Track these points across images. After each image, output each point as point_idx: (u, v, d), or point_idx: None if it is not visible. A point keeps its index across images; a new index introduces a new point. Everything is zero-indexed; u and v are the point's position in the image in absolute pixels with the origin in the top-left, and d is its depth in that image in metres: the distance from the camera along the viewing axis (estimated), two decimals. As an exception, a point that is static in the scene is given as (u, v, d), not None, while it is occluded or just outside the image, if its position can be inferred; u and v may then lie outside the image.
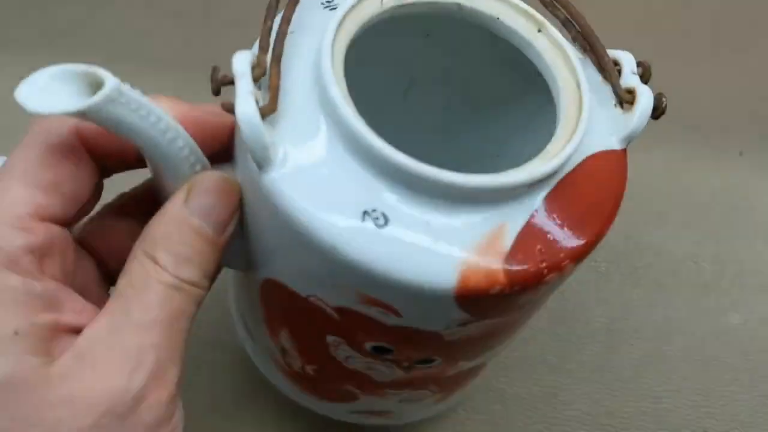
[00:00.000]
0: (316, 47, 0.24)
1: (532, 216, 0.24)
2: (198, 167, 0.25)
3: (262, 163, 0.23)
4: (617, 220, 0.41)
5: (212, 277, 0.25)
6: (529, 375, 0.38)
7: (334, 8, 0.26)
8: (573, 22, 0.28)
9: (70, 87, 0.22)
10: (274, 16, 0.25)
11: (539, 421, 0.37)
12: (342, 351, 0.28)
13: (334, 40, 0.24)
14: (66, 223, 0.24)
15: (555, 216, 0.24)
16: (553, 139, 0.24)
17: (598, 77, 0.27)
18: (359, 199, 0.23)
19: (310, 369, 0.31)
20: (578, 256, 0.24)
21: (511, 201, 0.23)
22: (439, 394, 0.32)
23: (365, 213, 0.23)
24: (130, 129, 0.23)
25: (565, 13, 0.28)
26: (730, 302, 0.42)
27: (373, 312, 0.24)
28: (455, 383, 0.32)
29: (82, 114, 0.21)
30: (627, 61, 0.27)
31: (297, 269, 0.26)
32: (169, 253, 0.23)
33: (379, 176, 0.23)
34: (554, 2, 0.28)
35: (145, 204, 0.26)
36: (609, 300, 0.41)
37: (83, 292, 0.23)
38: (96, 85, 0.22)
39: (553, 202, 0.24)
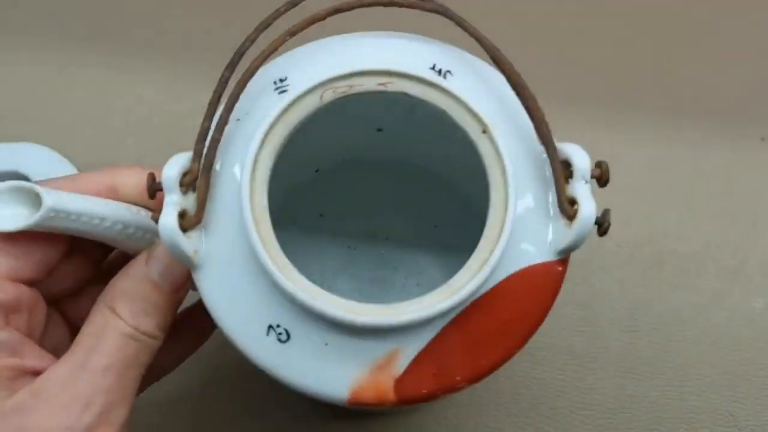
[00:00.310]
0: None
1: (429, 342, 0.25)
2: (156, 239, 0.28)
3: (188, 266, 0.25)
4: (642, 206, 0.40)
5: (165, 331, 0.28)
6: (554, 360, 0.39)
7: (284, 91, 0.27)
8: (529, 112, 0.26)
9: (16, 201, 0.25)
10: (212, 115, 0.26)
11: (564, 405, 0.38)
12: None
13: (254, 164, 0.25)
14: (36, 283, 0.27)
15: (456, 341, 0.25)
16: (465, 265, 0.24)
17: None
18: (267, 314, 0.25)
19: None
20: (477, 378, 0.25)
21: (408, 330, 0.24)
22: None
23: (270, 327, 0.25)
24: (77, 232, 0.26)
25: (522, 101, 0.26)
26: (754, 287, 0.40)
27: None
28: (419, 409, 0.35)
29: (25, 230, 0.24)
30: (580, 162, 0.25)
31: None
32: (127, 305, 0.26)
33: (285, 299, 0.24)
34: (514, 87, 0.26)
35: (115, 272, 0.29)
36: (633, 285, 0.40)
37: (55, 353, 0.27)
38: (39, 199, 0.25)
39: (456, 327, 0.25)
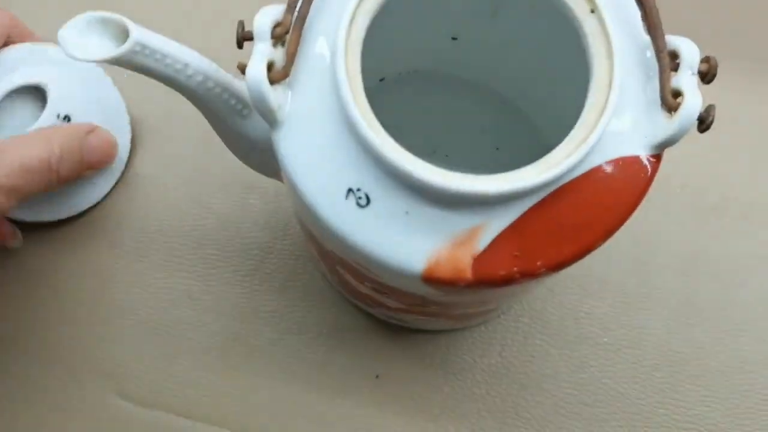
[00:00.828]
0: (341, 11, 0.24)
1: (514, 221, 0.24)
2: (239, 106, 0.27)
3: (269, 123, 0.24)
4: (710, 151, 0.38)
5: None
6: (605, 295, 0.38)
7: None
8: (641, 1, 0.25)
9: (103, 33, 0.24)
10: (308, -32, 0.25)
11: (611, 342, 0.37)
12: (349, 279, 0.30)
13: (351, 21, 0.24)
14: None
15: (540, 225, 0.24)
16: (562, 143, 0.23)
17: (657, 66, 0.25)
18: (348, 176, 0.24)
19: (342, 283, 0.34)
20: (558, 266, 0.24)
21: (495, 204, 0.23)
22: (453, 320, 0.35)
23: (350, 190, 0.24)
24: (157, 76, 0.25)
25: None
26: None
27: (362, 269, 0.26)
28: (466, 319, 0.34)
29: (110, 62, 0.24)
30: (689, 53, 0.24)
31: (297, 211, 0.28)
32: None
33: (369, 162, 0.23)
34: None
35: None
36: (693, 229, 0.39)
37: None
38: (126, 33, 0.24)
39: (545, 207, 0.24)
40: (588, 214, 0.24)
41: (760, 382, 0.37)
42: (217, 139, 0.30)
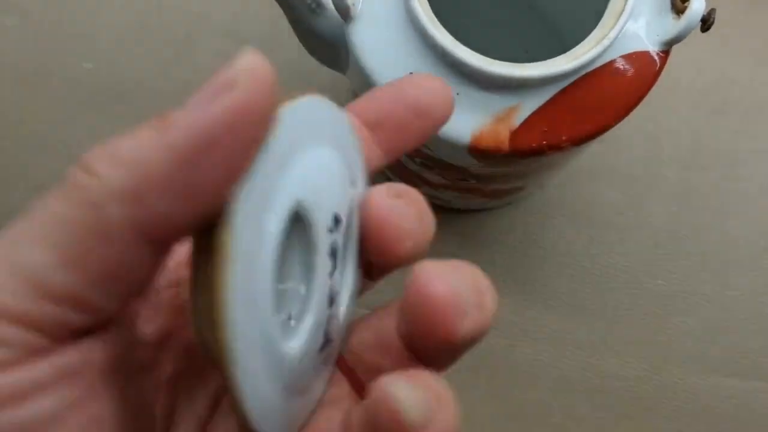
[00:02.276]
0: None
1: (545, 103, 0.29)
2: (314, 5, 0.32)
3: (344, 15, 0.30)
4: (716, 55, 0.43)
5: None
6: (615, 182, 0.43)
7: None
8: None
9: None
10: None
11: (620, 221, 0.43)
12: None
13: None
14: None
15: (566, 106, 0.29)
16: (585, 39, 0.29)
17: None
18: (408, 62, 0.29)
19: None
20: (579, 140, 0.30)
21: (531, 88, 0.29)
22: (485, 198, 0.40)
23: (411, 74, 0.29)
24: None
25: None
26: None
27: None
28: (499, 195, 0.40)
29: None
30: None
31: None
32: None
33: (428, 51, 0.29)
34: None
35: None
36: (698, 126, 0.44)
37: None
38: None
39: (570, 92, 0.29)
40: (605, 98, 0.29)
41: (746, 257, 0.43)
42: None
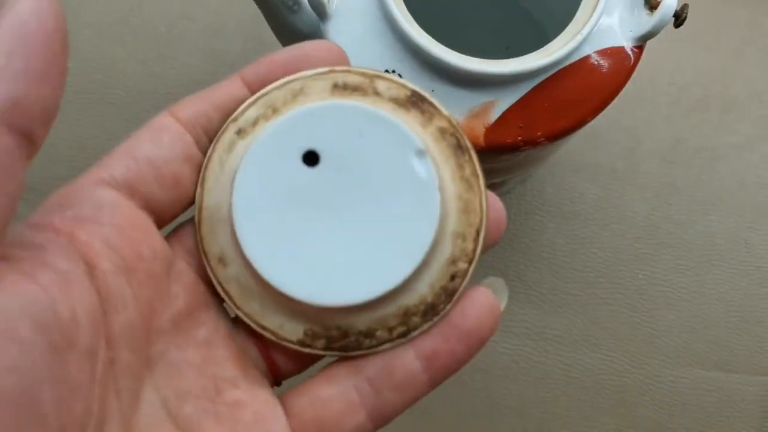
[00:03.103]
0: None
1: (520, 99, 0.29)
2: (290, 2, 0.32)
3: (320, 15, 0.30)
4: (695, 52, 0.43)
5: None
6: (598, 177, 0.44)
7: None
8: None
9: None
10: None
11: (600, 217, 0.43)
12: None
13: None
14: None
15: (541, 102, 0.29)
16: (560, 35, 0.29)
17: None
18: (383, 59, 0.29)
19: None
20: (555, 136, 0.30)
21: (506, 83, 0.29)
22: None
23: (386, 71, 0.29)
24: None
25: None
26: None
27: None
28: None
29: None
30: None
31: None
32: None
33: (403, 48, 0.29)
34: None
35: None
36: (677, 122, 0.45)
37: None
38: None
39: (545, 88, 0.29)
40: (580, 93, 0.29)
41: (726, 250, 0.43)
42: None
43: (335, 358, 0.21)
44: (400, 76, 0.29)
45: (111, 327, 0.18)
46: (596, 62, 0.30)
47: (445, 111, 0.22)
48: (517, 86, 0.29)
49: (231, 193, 0.20)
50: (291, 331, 0.21)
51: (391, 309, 0.20)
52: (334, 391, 0.21)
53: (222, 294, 0.21)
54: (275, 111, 0.21)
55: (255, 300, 0.21)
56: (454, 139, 0.22)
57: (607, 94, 0.30)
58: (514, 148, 0.30)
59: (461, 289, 0.21)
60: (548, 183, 0.43)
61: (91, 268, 0.18)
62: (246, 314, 0.21)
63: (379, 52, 0.29)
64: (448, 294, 0.21)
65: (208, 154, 0.22)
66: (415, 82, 0.29)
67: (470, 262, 0.21)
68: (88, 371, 0.17)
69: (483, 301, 0.21)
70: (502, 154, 0.30)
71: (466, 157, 0.22)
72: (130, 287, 0.19)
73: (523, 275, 0.43)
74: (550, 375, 0.42)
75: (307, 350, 0.21)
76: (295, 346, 0.21)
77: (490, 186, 0.40)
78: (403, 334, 0.21)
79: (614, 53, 0.30)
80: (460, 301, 0.21)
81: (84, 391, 0.17)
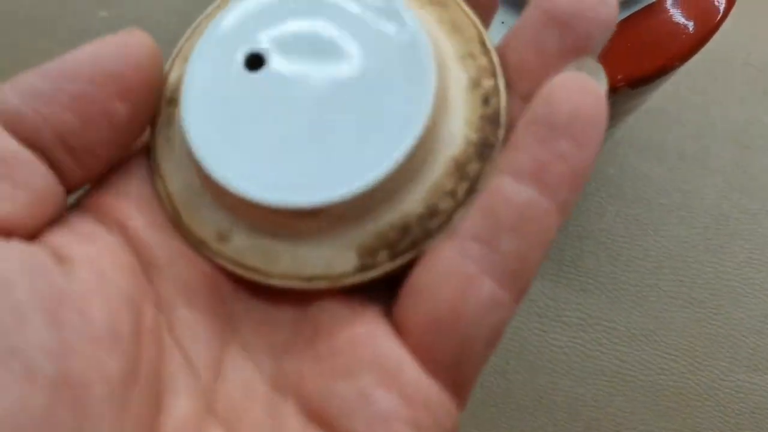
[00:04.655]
0: None
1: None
2: None
3: None
4: (765, 36, 0.40)
5: None
6: (664, 160, 0.41)
7: None
8: None
9: None
10: None
11: (666, 202, 0.40)
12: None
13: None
14: None
15: (622, 42, 0.26)
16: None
17: None
18: None
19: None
20: (635, 81, 0.27)
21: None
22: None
23: None
24: None
25: None
26: None
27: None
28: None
29: None
30: None
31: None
32: None
33: None
34: None
35: None
36: (753, 104, 0.42)
37: None
38: None
39: (625, 27, 0.26)
40: (666, 34, 0.26)
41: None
42: None
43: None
44: None
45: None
46: (686, 3, 0.26)
47: None
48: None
49: (189, 146, 0.17)
50: (342, 262, 0.17)
51: (437, 170, 0.17)
52: (438, 272, 0.15)
53: (242, 272, 0.17)
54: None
55: (282, 254, 0.17)
56: None
57: (696, 41, 0.27)
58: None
59: (502, 105, 0.17)
60: (609, 163, 0.40)
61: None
62: (280, 276, 0.17)
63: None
64: (492, 122, 0.17)
65: (149, 142, 0.18)
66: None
67: (494, 76, 0.17)
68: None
69: (572, 83, 0.15)
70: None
71: None
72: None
73: (579, 261, 0.39)
74: (604, 371, 0.38)
75: (372, 274, 0.17)
76: (357, 277, 0.17)
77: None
78: (470, 191, 0.16)
79: (706, -7, 0.27)
80: (541, 93, 0.16)
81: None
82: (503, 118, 0.17)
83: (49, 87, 0.15)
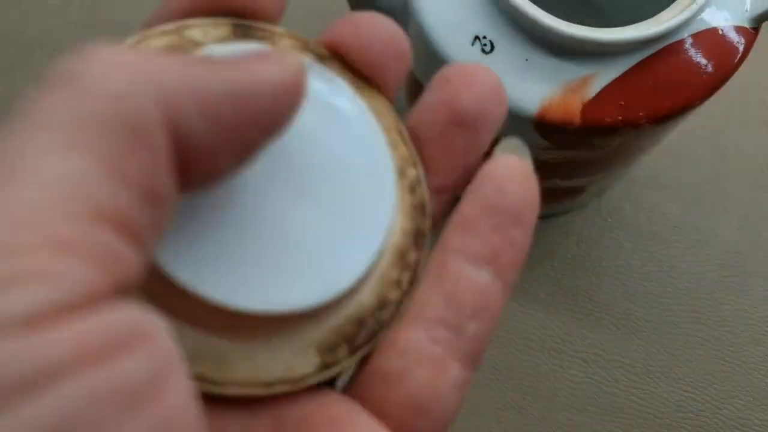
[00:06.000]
0: None
1: (622, 73, 0.27)
2: None
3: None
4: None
5: None
6: (680, 196, 0.41)
7: None
8: None
9: None
10: None
11: (681, 240, 0.40)
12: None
13: None
14: None
15: (645, 79, 0.27)
16: (669, 6, 0.26)
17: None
18: (475, 25, 0.27)
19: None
20: (659, 118, 0.27)
21: (608, 55, 0.26)
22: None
23: (476, 38, 0.27)
24: None
25: None
26: None
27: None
28: (557, 197, 0.37)
29: None
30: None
31: (420, 68, 0.31)
32: None
33: (495, 11, 0.27)
34: None
35: None
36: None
37: None
38: None
39: (649, 65, 0.27)
40: (688, 73, 0.27)
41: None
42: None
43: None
44: (492, 43, 0.27)
45: None
46: (707, 40, 0.27)
47: (278, 28, 0.17)
48: (620, 60, 0.26)
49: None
50: (304, 363, 0.16)
51: (384, 260, 0.16)
52: (410, 357, 0.16)
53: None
54: None
55: (238, 362, 0.15)
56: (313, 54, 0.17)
57: (719, 77, 0.27)
58: (612, 129, 0.27)
59: (426, 196, 0.17)
60: (626, 200, 0.40)
61: None
62: (238, 383, 0.15)
63: (471, 16, 0.27)
64: (421, 211, 0.17)
65: None
66: (510, 49, 0.27)
67: (415, 165, 0.17)
68: None
69: (516, 171, 0.17)
70: (598, 136, 0.27)
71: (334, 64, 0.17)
72: None
73: (595, 297, 0.39)
74: (623, 408, 0.38)
75: (333, 371, 0.16)
76: (319, 376, 0.16)
77: (565, 192, 0.38)
78: (412, 280, 0.16)
79: (728, 33, 0.27)
80: (486, 180, 0.17)
81: None
82: (428, 208, 0.17)
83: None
